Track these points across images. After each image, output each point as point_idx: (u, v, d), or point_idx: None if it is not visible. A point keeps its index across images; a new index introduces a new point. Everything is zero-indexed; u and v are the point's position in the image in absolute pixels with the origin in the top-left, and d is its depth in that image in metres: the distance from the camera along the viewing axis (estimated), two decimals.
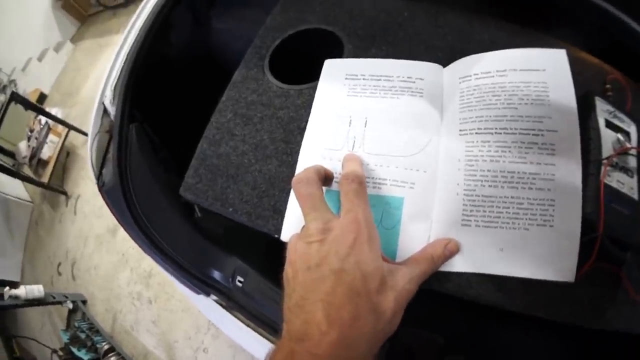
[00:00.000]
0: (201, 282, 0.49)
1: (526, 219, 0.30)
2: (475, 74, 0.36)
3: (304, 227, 0.30)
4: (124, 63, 0.58)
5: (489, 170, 0.32)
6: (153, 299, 1.49)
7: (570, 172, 0.31)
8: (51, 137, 2.11)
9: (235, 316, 0.55)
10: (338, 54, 0.46)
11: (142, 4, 0.64)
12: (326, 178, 0.35)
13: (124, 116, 0.54)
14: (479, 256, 0.31)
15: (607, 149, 0.32)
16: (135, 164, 0.52)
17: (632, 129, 0.34)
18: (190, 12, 0.65)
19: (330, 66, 0.44)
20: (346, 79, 0.41)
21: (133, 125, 0.55)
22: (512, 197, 0.31)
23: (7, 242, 2.06)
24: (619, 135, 0.33)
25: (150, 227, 0.50)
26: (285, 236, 0.37)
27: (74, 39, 3.00)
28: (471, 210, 0.32)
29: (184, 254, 0.49)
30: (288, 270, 0.29)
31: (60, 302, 1.56)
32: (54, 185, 2.06)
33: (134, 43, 0.59)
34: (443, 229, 0.32)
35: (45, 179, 2.01)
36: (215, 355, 1.25)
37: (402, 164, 0.35)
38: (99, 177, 0.55)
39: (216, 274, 0.48)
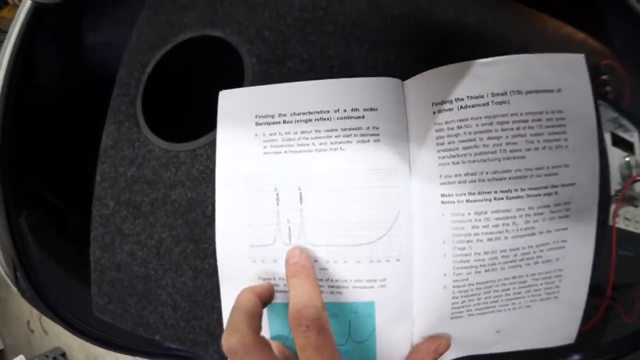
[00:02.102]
0: (163, 357, 0.41)
1: (528, 297, 0.26)
2: (458, 100, 0.24)
3: None
4: None
5: (486, 253, 0.24)
6: None
7: (584, 233, 0.24)
8: None
9: None
10: (240, 77, 0.31)
11: None
12: (265, 300, 0.26)
13: (9, 208, 0.39)
14: (472, 342, 0.27)
15: (615, 179, 0.26)
16: (38, 263, 0.41)
17: (635, 138, 0.27)
18: (54, 35, 0.44)
19: (228, 102, 0.28)
20: (257, 124, 0.27)
21: (23, 217, 0.41)
22: (513, 278, 0.25)
23: None
24: (629, 159, 0.26)
25: (85, 325, 0.41)
26: None
27: None
28: (463, 302, 0.26)
29: (131, 337, 0.40)
30: None
31: None
32: None
33: None
34: (428, 326, 0.27)
35: None
36: None
37: (364, 256, 0.26)
38: (16, 283, 0.43)
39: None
